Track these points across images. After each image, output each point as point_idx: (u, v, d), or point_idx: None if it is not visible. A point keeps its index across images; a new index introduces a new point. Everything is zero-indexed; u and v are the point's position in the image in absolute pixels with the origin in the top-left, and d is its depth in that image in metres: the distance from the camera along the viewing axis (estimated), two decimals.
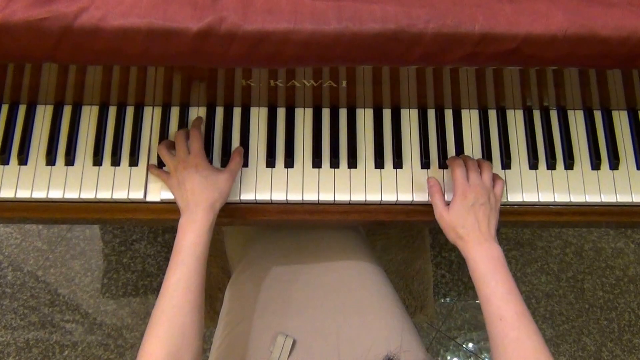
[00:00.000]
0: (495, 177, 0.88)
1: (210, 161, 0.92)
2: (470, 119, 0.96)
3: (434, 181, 0.88)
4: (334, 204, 0.92)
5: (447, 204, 0.85)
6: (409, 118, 0.96)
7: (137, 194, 0.90)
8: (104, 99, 0.94)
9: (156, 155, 0.92)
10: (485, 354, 1.64)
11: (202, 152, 0.87)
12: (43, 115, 0.94)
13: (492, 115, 0.96)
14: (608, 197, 0.92)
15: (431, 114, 0.96)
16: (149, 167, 0.92)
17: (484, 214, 0.81)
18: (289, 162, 0.92)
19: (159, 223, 0.96)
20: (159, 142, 0.93)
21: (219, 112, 0.95)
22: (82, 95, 0.93)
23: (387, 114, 0.95)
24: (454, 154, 0.94)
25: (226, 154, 0.92)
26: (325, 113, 0.95)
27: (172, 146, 0.91)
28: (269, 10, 0.72)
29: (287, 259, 1.04)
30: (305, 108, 0.96)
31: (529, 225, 1.00)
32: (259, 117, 0.95)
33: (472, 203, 0.82)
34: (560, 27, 0.72)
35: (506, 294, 0.75)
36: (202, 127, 0.94)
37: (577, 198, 0.92)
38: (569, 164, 0.93)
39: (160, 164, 0.92)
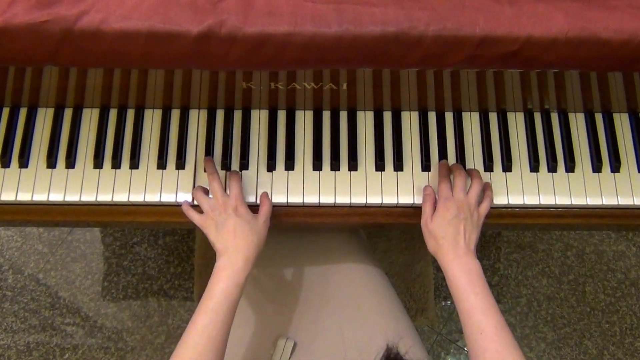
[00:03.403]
0: (485, 194, 0.88)
1: None
2: (471, 122, 0.96)
3: (430, 190, 0.89)
4: (335, 206, 0.92)
5: None
6: (410, 120, 0.96)
7: (137, 197, 0.90)
8: (104, 101, 0.94)
9: (156, 158, 0.92)
10: None
11: (242, 195, 0.85)
12: (44, 119, 0.94)
13: (493, 117, 0.96)
14: (609, 200, 0.92)
15: (432, 116, 0.96)
16: (182, 206, 0.88)
17: (464, 228, 0.82)
18: (290, 165, 0.92)
19: (160, 225, 0.96)
20: (158, 143, 0.92)
21: (220, 114, 0.95)
22: (82, 98, 0.93)
23: (387, 116, 0.95)
24: (454, 157, 0.94)
25: (226, 157, 0.92)
26: (326, 115, 0.95)
27: (207, 192, 0.89)
28: (269, 13, 0.72)
29: (287, 262, 1.03)
30: (306, 110, 0.96)
31: (530, 228, 1.00)
32: (259, 119, 0.95)
33: (454, 216, 0.82)
34: (561, 29, 0.72)
35: (486, 308, 0.75)
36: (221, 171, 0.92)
37: (578, 201, 0.92)
38: (570, 167, 0.93)
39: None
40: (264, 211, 0.86)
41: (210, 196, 0.86)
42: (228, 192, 0.86)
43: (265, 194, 0.89)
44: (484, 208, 0.86)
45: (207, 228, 0.83)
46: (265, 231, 0.85)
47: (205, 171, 0.90)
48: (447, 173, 0.89)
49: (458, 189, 0.85)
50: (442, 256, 0.81)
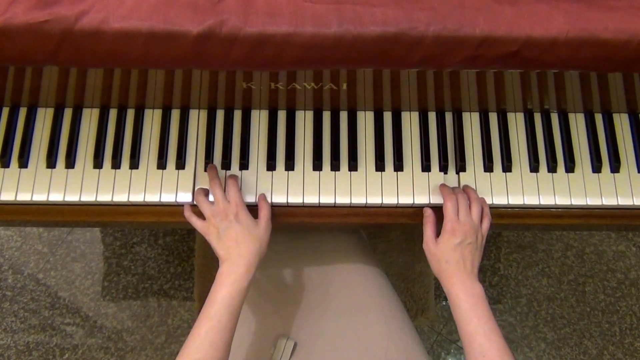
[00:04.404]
0: (483, 211, 0.87)
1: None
2: (471, 122, 0.96)
3: (430, 212, 0.88)
4: (335, 206, 0.92)
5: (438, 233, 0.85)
6: (410, 121, 0.96)
7: (137, 197, 0.90)
8: (104, 101, 0.94)
9: (156, 158, 0.92)
10: None
11: (241, 200, 0.85)
12: (44, 118, 0.94)
13: (493, 118, 0.96)
14: (609, 200, 0.92)
15: (432, 116, 0.96)
16: (184, 212, 0.88)
17: (469, 252, 0.82)
18: (290, 165, 0.92)
19: (160, 226, 0.96)
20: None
21: (220, 114, 0.95)
22: (82, 98, 0.93)
23: (387, 116, 0.95)
24: (454, 157, 0.94)
25: (227, 157, 0.92)
26: (326, 116, 0.95)
27: (207, 194, 0.89)
28: (269, 13, 0.72)
29: (287, 262, 1.03)
30: (306, 111, 0.96)
31: (530, 228, 1.00)
32: (259, 119, 0.95)
33: (460, 242, 0.82)
34: (561, 30, 0.72)
35: (489, 332, 0.76)
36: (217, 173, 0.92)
37: (578, 201, 0.92)
38: (570, 167, 0.93)
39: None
40: (264, 215, 0.86)
41: (211, 199, 0.86)
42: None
43: (263, 197, 0.89)
44: (485, 228, 0.86)
45: (209, 235, 0.84)
46: (267, 235, 0.85)
47: (205, 171, 0.90)
48: (450, 192, 0.88)
49: (463, 210, 0.85)
50: (446, 279, 0.82)
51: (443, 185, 0.90)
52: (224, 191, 0.86)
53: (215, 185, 0.86)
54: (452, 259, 0.81)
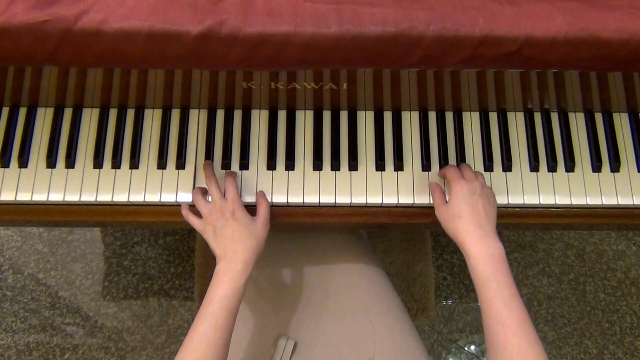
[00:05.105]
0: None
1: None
2: (471, 121, 0.96)
3: (435, 184, 0.89)
4: (335, 206, 0.92)
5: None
6: (410, 120, 0.96)
7: (137, 197, 0.90)
8: (104, 101, 0.94)
9: (156, 158, 0.92)
10: None
11: (239, 198, 0.85)
12: (44, 118, 0.94)
13: (493, 117, 0.96)
14: (609, 200, 0.92)
15: (432, 116, 0.96)
16: (182, 210, 0.88)
17: (482, 206, 0.79)
18: (290, 165, 0.92)
19: (160, 225, 0.96)
20: (159, 143, 0.92)
21: (220, 114, 0.95)
22: (82, 98, 0.93)
23: (387, 116, 0.95)
24: (454, 156, 0.94)
25: (227, 157, 0.92)
26: (326, 115, 0.95)
27: (206, 192, 0.89)
28: (269, 13, 0.72)
29: (287, 262, 1.03)
30: (306, 110, 0.96)
31: (530, 228, 1.00)
32: (259, 119, 0.95)
33: (470, 193, 0.80)
34: (561, 29, 0.72)
35: (508, 299, 0.72)
36: (211, 166, 0.93)
37: (578, 200, 0.92)
38: (570, 167, 0.93)
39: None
40: (262, 213, 0.86)
41: (209, 198, 0.86)
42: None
43: (261, 194, 0.89)
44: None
45: (206, 233, 0.84)
46: (265, 233, 0.85)
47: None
48: (451, 165, 0.89)
49: (467, 171, 0.85)
50: (462, 238, 0.78)
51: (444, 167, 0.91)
52: (222, 189, 0.86)
53: (211, 183, 0.86)
54: (465, 212, 0.79)
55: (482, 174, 0.89)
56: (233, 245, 0.80)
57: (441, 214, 0.83)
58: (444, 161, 0.93)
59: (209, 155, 0.92)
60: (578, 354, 1.63)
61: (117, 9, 0.71)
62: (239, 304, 0.79)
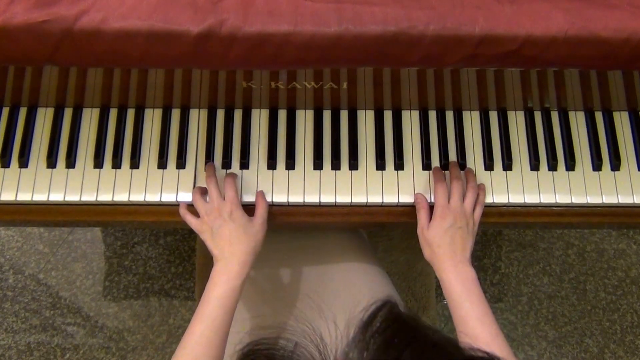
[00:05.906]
0: (478, 199, 0.88)
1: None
2: (472, 120, 0.96)
3: (421, 198, 0.89)
4: (336, 206, 0.92)
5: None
6: (410, 119, 0.95)
7: (138, 197, 0.90)
8: (104, 101, 0.94)
9: (156, 157, 0.92)
10: None
11: (237, 198, 0.85)
12: (44, 118, 0.94)
13: (493, 116, 0.96)
14: (609, 198, 0.92)
15: (432, 115, 0.96)
16: (180, 210, 0.88)
17: (460, 237, 0.82)
18: (290, 164, 0.92)
19: (161, 225, 0.96)
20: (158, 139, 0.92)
21: (220, 114, 0.95)
22: (82, 97, 0.93)
23: (388, 115, 0.95)
24: (455, 155, 0.94)
25: (227, 157, 0.92)
26: (326, 115, 0.95)
27: (205, 192, 0.89)
28: (269, 12, 0.72)
29: (287, 262, 1.03)
30: (306, 110, 0.96)
31: (530, 227, 1.00)
32: (260, 119, 0.95)
33: (450, 225, 0.83)
34: (561, 28, 0.72)
35: (481, 316, 0.76)
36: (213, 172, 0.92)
37: (578, 199, 0.92)
38: (570, 165, 0.93)
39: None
40: (260, 213, 0.86)
41: (209, 199, 0.86)
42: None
43: (260, 194, 0.89)
44: (477, 215, 0.87)
45: (203, 234, 0.84)
46: (263, 233, 0.85)
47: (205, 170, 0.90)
48: (441, 177, 0.89)
49: (455, 197, 0.85)
50: (438, 264, 0.82)
51: (436, 169, 0.91)
52: (221, 190, 0.86)
53: (211, 183, 0.86)
54: (443, 242, 0.82)
55: (474, 189, 0.88)
56: (230, 245, 0.81)
57: (422, 236, 0.86)
58: (444, 160, 0.93)
59: (209, 154, 0.92)
60: (579, 352, 1.63)
61: (116, 9, 0.71)
62: (236, 303, 0.79)
